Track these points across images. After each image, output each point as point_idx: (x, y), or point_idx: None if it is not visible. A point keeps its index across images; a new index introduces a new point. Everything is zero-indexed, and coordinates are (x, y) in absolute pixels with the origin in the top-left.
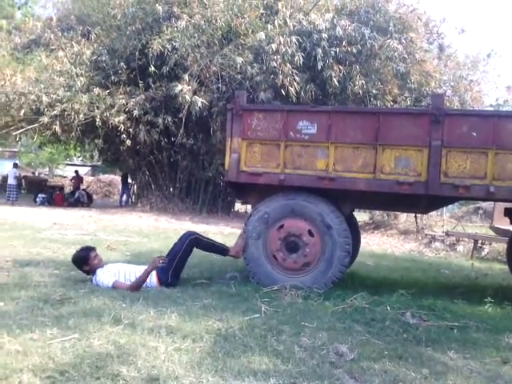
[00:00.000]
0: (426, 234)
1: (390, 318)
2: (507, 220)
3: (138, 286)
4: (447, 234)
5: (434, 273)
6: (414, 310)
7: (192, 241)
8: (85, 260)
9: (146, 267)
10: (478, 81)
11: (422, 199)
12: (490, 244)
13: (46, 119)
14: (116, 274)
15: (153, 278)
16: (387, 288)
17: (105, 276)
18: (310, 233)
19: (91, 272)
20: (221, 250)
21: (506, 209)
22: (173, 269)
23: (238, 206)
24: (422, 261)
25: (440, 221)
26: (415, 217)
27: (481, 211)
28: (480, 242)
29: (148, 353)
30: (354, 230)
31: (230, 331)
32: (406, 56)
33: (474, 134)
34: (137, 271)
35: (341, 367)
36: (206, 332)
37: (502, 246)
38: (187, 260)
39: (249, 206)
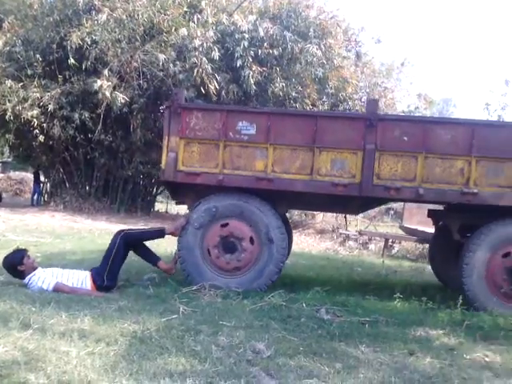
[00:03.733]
0: (341, 233)
1: (305, 315)
2: (415, 220)
3: (78, 292)
4: (360, 233)
5: (348, 270)
6: (329, 307)
7: (123, 238)
8: (21, 259)
9: (80, 272)
10: (392, 88)
11: (355, 200)
12: (400, 243)
13: None
14: (55, 276)
15: (87, 282)
16: (303, 285)
17: (46, 274)
18: (252, 240)
19: (26, 273)
20: (156, 233)
21: (429, 210)
22: (107, 271)
23: (159, 206)
24: (337, 259)
25: (353, 220)
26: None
27: (392, 212)
28: (390, 240)
29: (59, 358)
30: (288, 231)
31: (146, 333)
32: (324, 61)
33: (406, 138)
34: (73, 275)
35: (257, 365)
36: (121, 335)
37: (410, 245)
38: (123, 261)
39: (169, 206)
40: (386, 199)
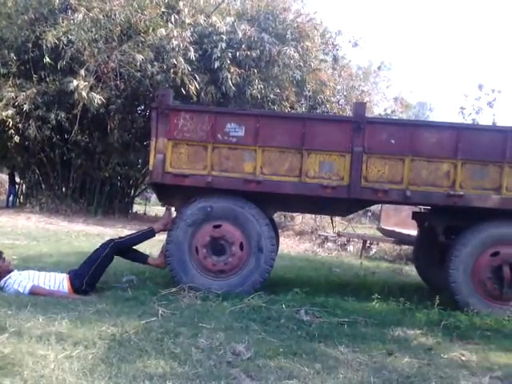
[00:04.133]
0: (320, 235)
1: (285, 316)
2: (392, 222)
3: (55, 295)
4: (339, 234)
5: (327, 271)
6: (308, 308)
7: (113, 247)
8: None
9: (57, 274)
10: (369, 91)
11: (343, 202)
12: (378, 244)
13: None
14: (31, 278)
15: (64, 284)
16: (283, 287)
17: (22, 277)
18: (242, 246)
19: (2, 276)
20: (146, 234)
21: (413, 212)
22: (89, 276)
23: (137, 208)
24: (316, 260)
25: (332, 222)
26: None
27: (369, 213)
28: (368, 242)
29: (36, 362)
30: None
31: (125, 336)
32: (301, 64)
33: (393, 141)
34: (50, 278)
35: (237, 366)
36: (100, 338)
37: (387, 246)
38: (106, 269)
39: (148, 208)
40: (373, 201)
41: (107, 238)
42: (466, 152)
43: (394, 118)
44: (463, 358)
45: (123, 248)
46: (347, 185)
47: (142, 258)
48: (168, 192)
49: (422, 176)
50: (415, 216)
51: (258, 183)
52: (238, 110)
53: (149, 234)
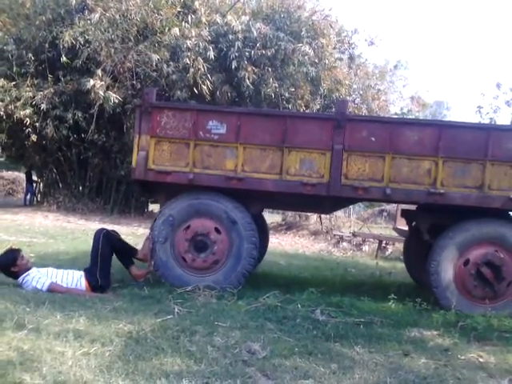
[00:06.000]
0: (335, 235)
1: (300, 316)
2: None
3: (73, 293)
4: (354, 234)
5: (342, 271)
6: (323, 308)
7: (105, 236)
8: (14, 260)
9: (74, 272)
10: (385, 90)
11: (324, 200)
12: (393, 244)
13: None
14: (50, 276)
15: (82, 282)
16: (298, 286)
17: (41, 274)
18: (217, 230)
19: (20, 274)
20: (129, 249)
21: (402, 210)
22: (99, 270)
23: (153, 207)
24: (331, 260)
25: (347, 222)
26: (320, 218)
27: (385, 213)
28: (384, 242)
29: (54, 358)
30: (262, 229)
31: (142, 334)
32: (316, 61)
33: (373, 139)
34: (68, 276)
35: (253, 365)
36: (117, 335)
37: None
38: (111, 258)
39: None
40: (354, 199)
41: (98, 229)
42: (448, 150)
43: (411, 117)
44: (481, 360)
45: (112, 240)
46: (327, 182)
47: (127, 263)
48: (152, 189)
49: (402, 174)
50: (404, 214)
51: (239, 180)
52: (220, 107)
53: (131, 250)
